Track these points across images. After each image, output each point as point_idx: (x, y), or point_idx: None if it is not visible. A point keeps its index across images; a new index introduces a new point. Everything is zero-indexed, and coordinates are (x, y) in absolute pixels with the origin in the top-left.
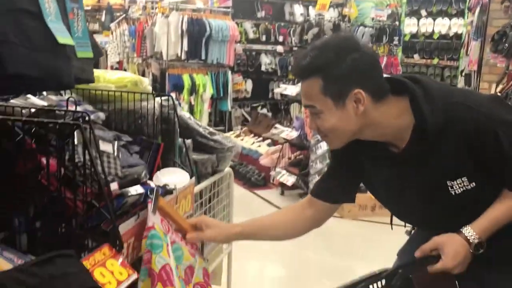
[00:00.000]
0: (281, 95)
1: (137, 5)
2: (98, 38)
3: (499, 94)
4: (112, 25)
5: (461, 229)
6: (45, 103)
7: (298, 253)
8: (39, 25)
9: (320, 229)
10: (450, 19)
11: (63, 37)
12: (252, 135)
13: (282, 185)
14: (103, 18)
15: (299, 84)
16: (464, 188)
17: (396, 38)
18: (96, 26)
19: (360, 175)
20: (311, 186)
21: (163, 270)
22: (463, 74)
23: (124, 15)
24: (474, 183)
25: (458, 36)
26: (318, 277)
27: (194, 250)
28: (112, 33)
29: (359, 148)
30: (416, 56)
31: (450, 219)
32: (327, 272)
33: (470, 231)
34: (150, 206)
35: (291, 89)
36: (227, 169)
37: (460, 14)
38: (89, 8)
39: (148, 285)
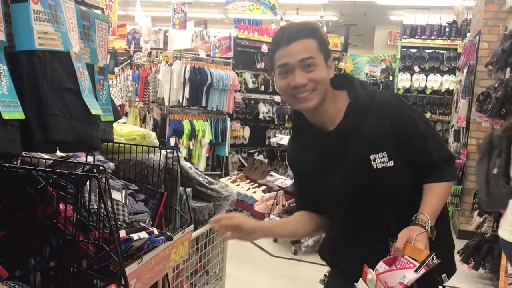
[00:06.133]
0: (278, 143)
1: (142, 52)
2: None
3: None
4: (117, 70)
5: (413, 220)
6: (63, 154)
7: None
8: (77, 100)
9: None
10: (442, 76)
11: (95, 109)
12: (248, 181)
13: None
14: (107, 62)
15: None
16: (384, 165)
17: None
18: None
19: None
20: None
21: None
22: (453, 129)
23: (128, 60)
24: (392, 162)
25: (449, 92)
26: None
27: None
28: (116, 77)
29: (298, 141)
30: None
31: (370, 196)
32: None
33: (420, 220)
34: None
35: (287, 139)
36: None
37: (452, 71)
38: None
39: None
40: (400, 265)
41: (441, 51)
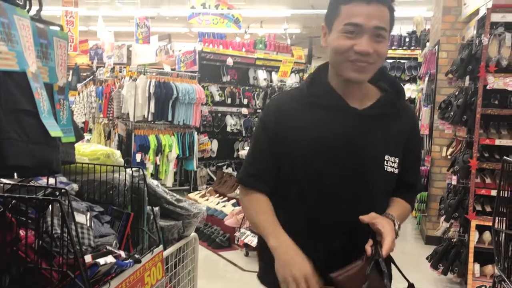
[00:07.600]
0: None
1: (105, 68)
2: None
3: (449, 157)
4: (79, 86)
5: (387, 215)
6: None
7: None
8: (35, 122)
9: None
10: (403, 85)
11: (54, 131)
12: (217, 195)
13: (247, 246)
14: (69, 78)
15: None
16: (392, 170)
17: None
18: None
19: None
20: None
21: None
22: None
23: (91, 76)
24: (397, 171)
25: (411, 101)
26: None
27: None
28: (79, 94)
29: (309, 110)
30: None
31: (365, 194)
32: None
33: (393, 217)
34: None
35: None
36: (193, 234)
37: (413, 80)
38: None
39: None
40: None
41: (402, 61)
